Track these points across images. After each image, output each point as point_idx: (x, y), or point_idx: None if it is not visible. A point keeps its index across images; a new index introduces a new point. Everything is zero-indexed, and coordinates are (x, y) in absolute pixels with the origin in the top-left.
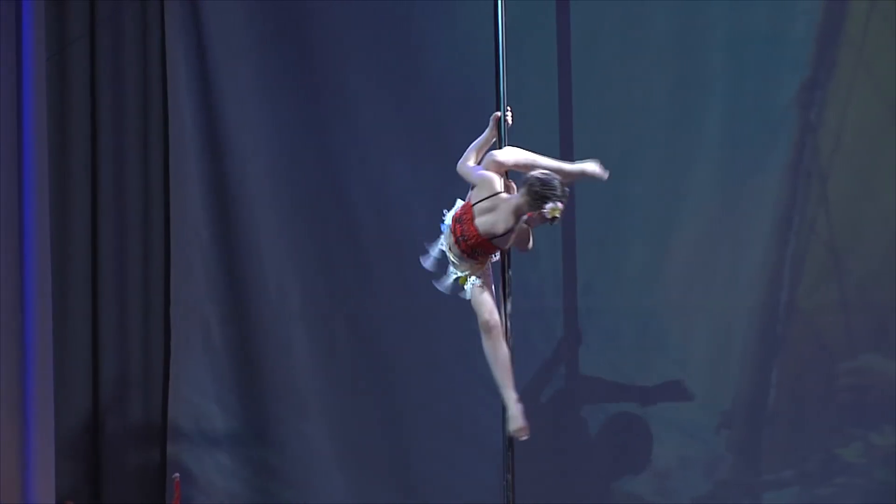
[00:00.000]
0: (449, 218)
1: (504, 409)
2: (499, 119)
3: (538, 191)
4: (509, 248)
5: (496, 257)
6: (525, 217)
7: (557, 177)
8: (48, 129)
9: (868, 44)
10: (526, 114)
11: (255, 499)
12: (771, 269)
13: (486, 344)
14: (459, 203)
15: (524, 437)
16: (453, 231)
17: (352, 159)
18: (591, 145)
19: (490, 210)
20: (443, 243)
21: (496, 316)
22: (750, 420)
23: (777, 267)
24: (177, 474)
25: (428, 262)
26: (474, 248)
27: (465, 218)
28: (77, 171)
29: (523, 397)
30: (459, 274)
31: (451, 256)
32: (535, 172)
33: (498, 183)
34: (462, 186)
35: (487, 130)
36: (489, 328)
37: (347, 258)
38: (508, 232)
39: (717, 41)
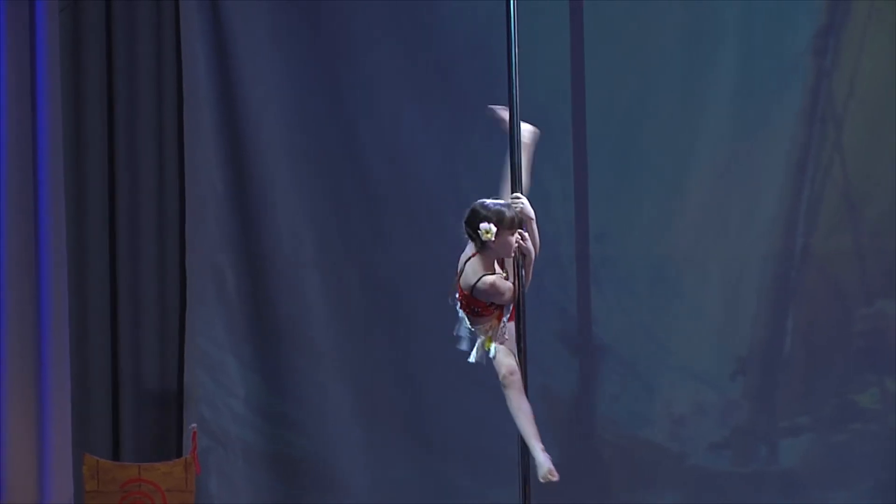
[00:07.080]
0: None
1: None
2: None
3: (466, 222)
4: (509, 301)
5: (507, 320)
6: (490, 255)
7: (490, 200)
8: (63, 92)
9: None
10: (536, 63)
11: (271, 448)
12: (786, 215)
13: (511, 396)
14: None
15: (555, 479)
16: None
17: (363, 110)
18: (602, 92)
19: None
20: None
21: (517, 370)
22: (765, 367)
23: (792, 213)
24: (194, 425)
25: (472, 356)
26: (469, 304)
27: (456, 283)
28: (92, 127)
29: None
30: (483, 337)
31: (466, 322)
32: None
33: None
34: (473, 132)
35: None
36: (511, 382)
37: (361, 208)
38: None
39: None
